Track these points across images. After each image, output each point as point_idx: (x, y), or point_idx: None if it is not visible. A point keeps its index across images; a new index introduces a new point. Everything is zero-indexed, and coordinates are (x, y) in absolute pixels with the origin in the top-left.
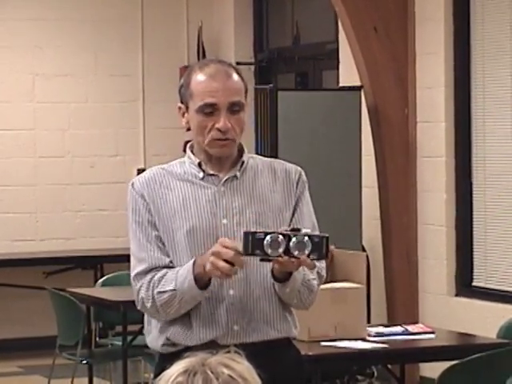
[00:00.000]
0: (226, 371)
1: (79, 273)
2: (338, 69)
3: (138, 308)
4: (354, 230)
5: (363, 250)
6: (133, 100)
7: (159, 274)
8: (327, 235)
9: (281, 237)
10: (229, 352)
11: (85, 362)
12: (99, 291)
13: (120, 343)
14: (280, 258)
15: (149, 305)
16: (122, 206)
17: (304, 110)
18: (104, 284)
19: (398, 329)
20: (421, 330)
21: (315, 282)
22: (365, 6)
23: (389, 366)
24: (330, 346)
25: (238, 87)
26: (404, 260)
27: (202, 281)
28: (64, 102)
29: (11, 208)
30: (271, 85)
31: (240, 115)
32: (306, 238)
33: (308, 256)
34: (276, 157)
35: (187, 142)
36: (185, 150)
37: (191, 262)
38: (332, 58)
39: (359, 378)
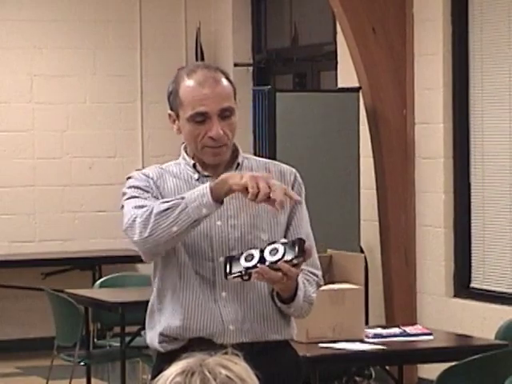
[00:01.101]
0: (223, 372)
1: (77, 274)
2: (336, 70)
3: (123, 229)
4: (352, 231)
5: (361, 251)
6: (131, 101)
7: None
8: (301, 238)
9: (255, 250)
10: (227, 353)
11: (83, 363)
12: (97, 292)
13: (118, 344)
14: (258, 269)
15: (139, 220)
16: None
17: (302, 111)
18: (102, 285)
19: (396, 330)
20: (419, 332)
21: (314, 296)
22: (363, 7)
23: (387, 368)
24: (328, 348)
25: (227, 92)
26: (402, 261)
27: (218, 195)
28: (62, 102)
29: (9, 209)
30: (269, 86)
31: (231, 120)
32: (279, 244)
33: (283, 259)
34: (274, 158)
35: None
36: None
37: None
38: (330, 59)
39: (357, 379)
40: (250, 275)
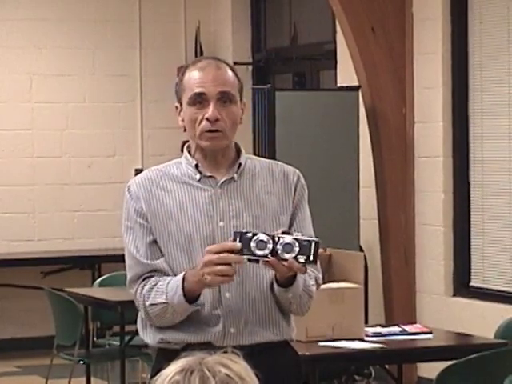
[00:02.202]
0: (223, 370)
1: (77, 273)
2: (335, 69)
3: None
4: (351, 230)
5: (361, 250)
6: (130, 100)
7: (148, 284)
8: (317, 240)
9: (268, 238)
10: (226, 352)
11: (82, 362)
12: (97, 291)
13: (118, 343)
14: (267, 259)
15: (143, 314)
16: (119, 206)
17: (302, 110)
18: (102, 284)
19: (396, 329)
20: (418, 330)
21: (314, 288)
22: (362, 7)
23: (386, 366)
24: (328, 346)
25: (228, 79)
26: (401, 260)
27: (192, 296)
28: (62, 102)
29: (9, 208)
30: (269, 85)
31: (232, 108)
32: (294, 240)
33: (295, 259)
34: (274, 157)
35: (185, 142)
36: (182, 150)
37: (180, 276)
38: (330, 58)
39: (357, 378)
40: (257, 261)
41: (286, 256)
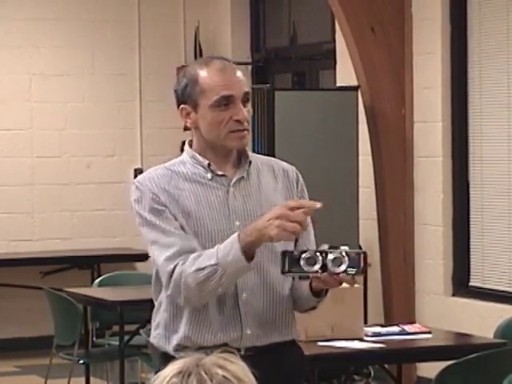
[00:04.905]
0: (220, 372)
1: (76, 273)
2: (334, 69)
3: (169, 293)
4: (350, 230)
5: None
6: (130, 100)
7: (193, 255)
8: (365, 251)
9: (317, 253)
10: (223, 352)
11: (82, 361)
12: (96, 291)
13: (117, 343)
14: (318, 274)
15: (182, 286)
16: (118, 206)
17: (301, 109)
18: (101, 284)
19: (395, 329)
20: (418, 330)
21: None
22: (362, 7)
23: (386, 366)
24: (327, 346)
25: (244, 78)
26: (401, 260)
27: (248, 252)
28: (61, 101)
29: (8, 208)
30: (268, 85)
31: (249, 107)
32: (343, 253)
33: (345, 272)
34: (273, 157)
35: (184, 142)
36: (182, 150)
37: (235, 235)
38: (329, 58)
39: (356, 377)
40: (308, 277)
41: (337, 270)
